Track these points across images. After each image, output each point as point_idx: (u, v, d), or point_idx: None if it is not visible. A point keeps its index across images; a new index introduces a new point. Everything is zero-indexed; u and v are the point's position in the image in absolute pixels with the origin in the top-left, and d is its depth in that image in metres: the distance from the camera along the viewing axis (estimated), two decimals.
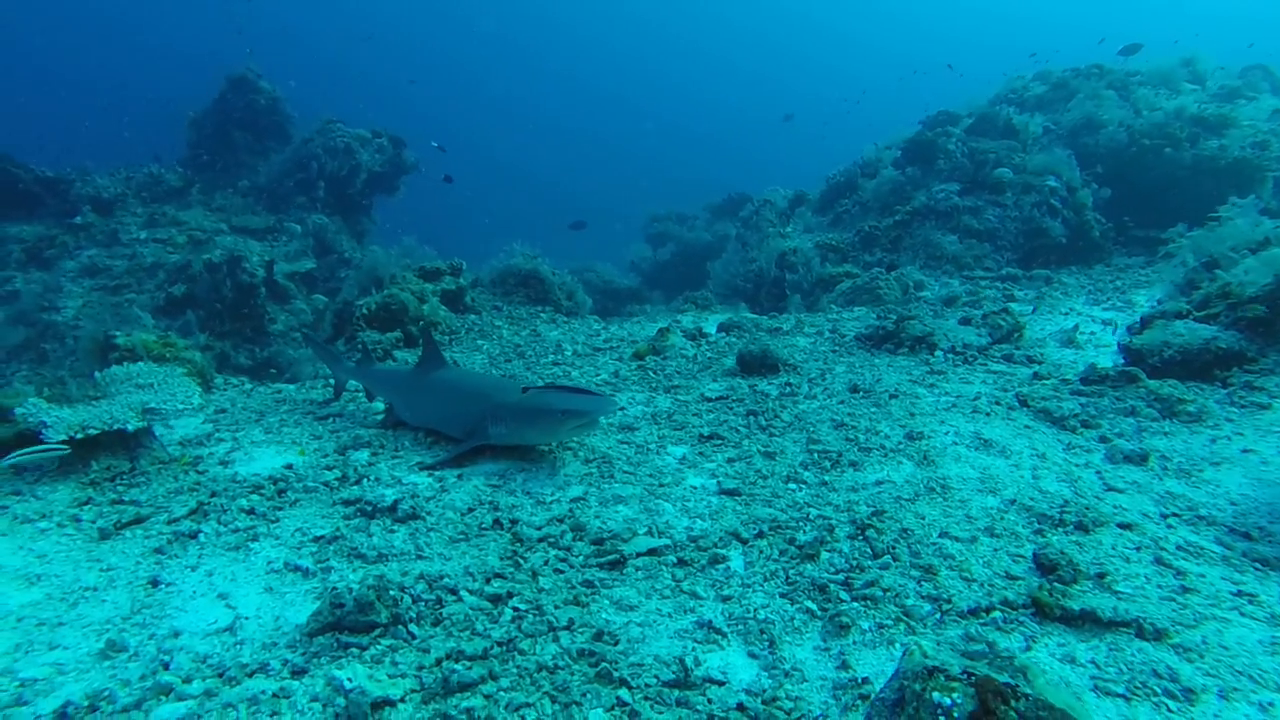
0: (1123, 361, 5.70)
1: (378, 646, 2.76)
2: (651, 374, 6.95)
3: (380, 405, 6.36)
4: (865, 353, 7.26)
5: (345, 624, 2.81)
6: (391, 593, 2.94)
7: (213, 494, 4.19)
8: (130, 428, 4.26)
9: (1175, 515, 3.75)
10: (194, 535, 3.67)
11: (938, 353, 6.83)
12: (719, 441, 5.04)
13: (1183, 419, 4.83)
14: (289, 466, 4.72)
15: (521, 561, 3.45)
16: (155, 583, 3.25)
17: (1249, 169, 11.04)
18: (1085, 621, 2.72)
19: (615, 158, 75.78)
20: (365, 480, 4.54)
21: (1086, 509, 3.64)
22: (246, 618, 3.02)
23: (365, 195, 18.78)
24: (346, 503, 4.15)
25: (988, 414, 5.20)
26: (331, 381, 7.00)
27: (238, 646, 2.83)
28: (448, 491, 4.34)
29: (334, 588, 2.93)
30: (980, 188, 11.10)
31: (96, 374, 4.95)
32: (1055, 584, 2.94)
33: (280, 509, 4.07)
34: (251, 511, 3.97)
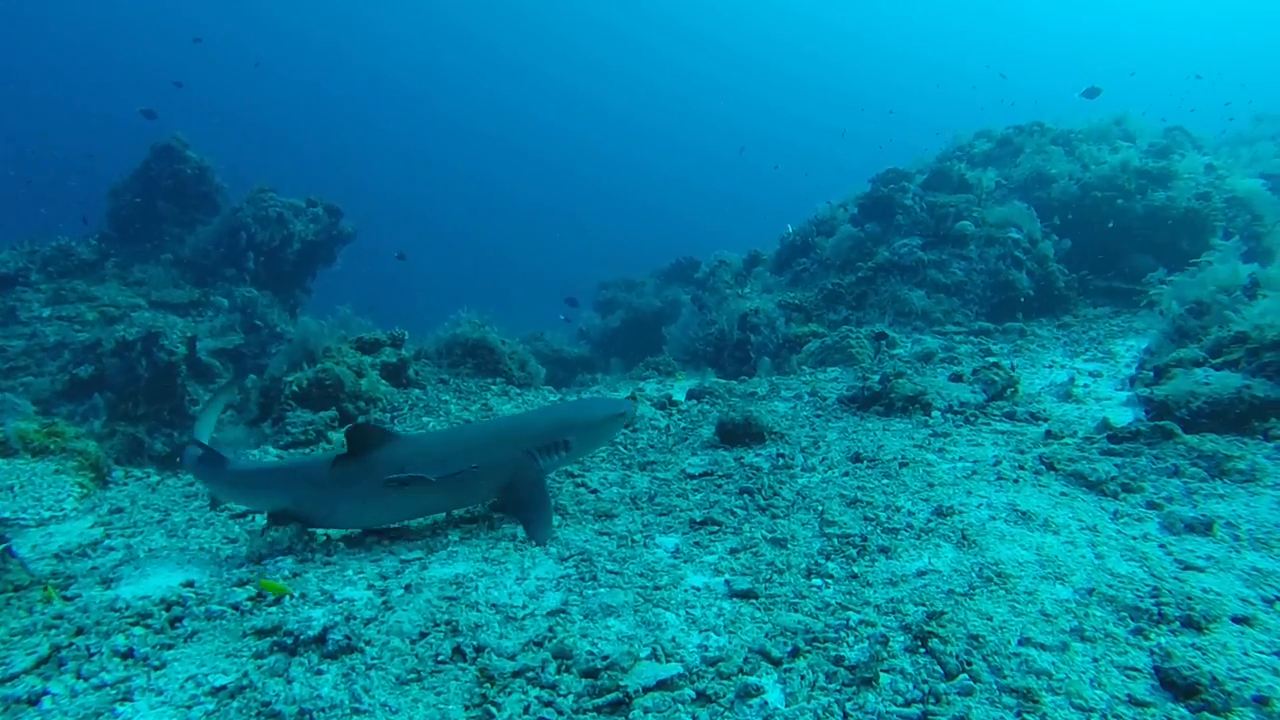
0: (1145, 415, 5.21)
1: None
2: (622, 449, 6.21)
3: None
4: (853, 416, 6.67)
5: None
6: None
7: (79, 630, 3.22)
8: None
9: None
10: (35, 700, 2.69)
11: (934, 413, 6.27)
12: (715, 528, 4.29)
13: (1235, 479, 4.30)
14: (190, 584, 3.77)
15: (494, 710, 2.60)
16: None
17: (1199, 219, 11.13)
18: None
19: (555, 224, 76.27)
20: (288, 599, 3.63)
21: (1188, 598, 2.99)
22: None
23: (299, 266, 17.83)
24: (260, 632, 3.23)
25: (1015, 481, 4.59)
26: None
27: None
28: (393, 609, 3.47)
29: None
30: (943, 241, 10.89)
31: None
32: (1206, 714, 2.25)
33: (171, 646, 3.13)
34: (129, 654, 3.01)
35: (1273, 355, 4.98)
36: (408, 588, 3.72)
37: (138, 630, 3.25)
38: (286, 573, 4.01)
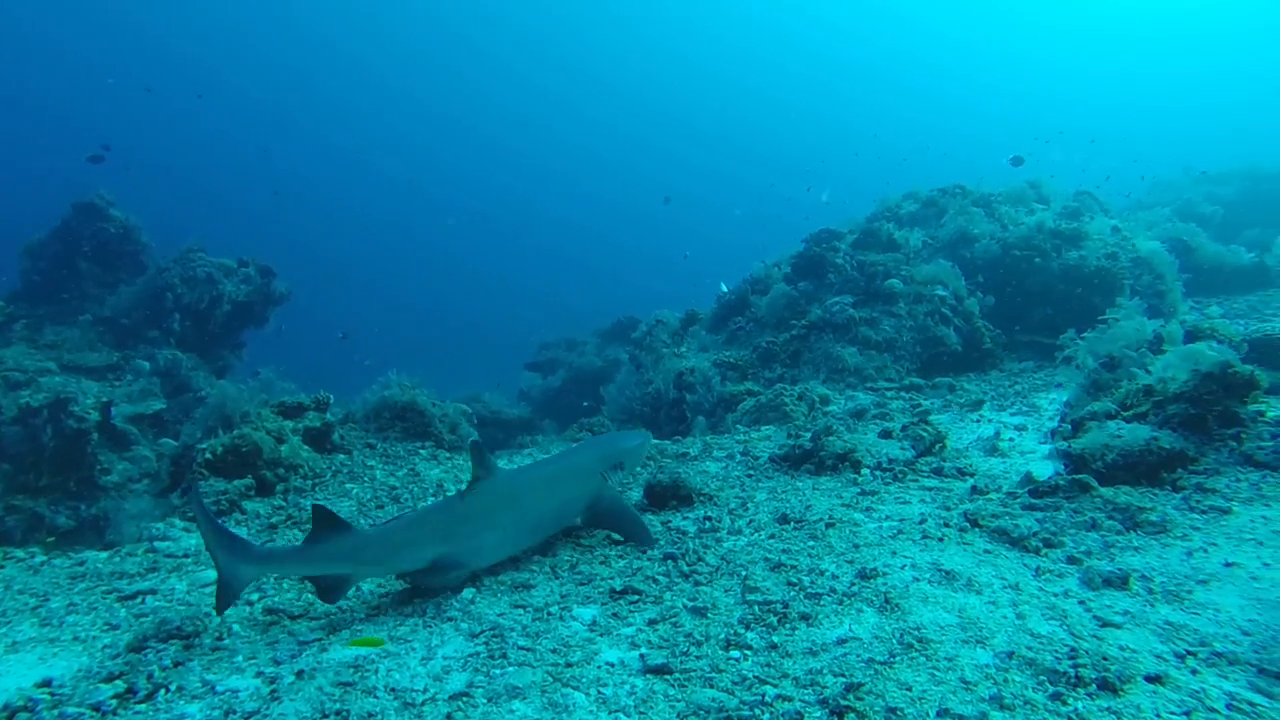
0: (1064, 468, 5.27)
1: None
2: None
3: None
4: (784, 475, 6.61)
5: None
6: None
7: None
8: None
9: (1191, 654, 3.11)
10: None
11: (864, 471, 6.25)
12: (635, 597, 4.11)
13: (1147, 530, 4.33)
14: (47, 683, 3.41)
15: None
16: None
17: (1109, 277, 11.64)
18: None
19: (493, 284, 76.27)
20: (162, 693, 3.31)
21: (1105, 659, 2.93)
22: None
23: (229, 328, 17.27)
24: None
25: (940, 539, 4.54)
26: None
27: None
28: (280, 700, 3.18)
29: None
30: (874, 299, 11.13)
31: None
32: None
33: None
34: None
35: (1176, 407, 5.12)
36: (300, 674, 3.44)
37: None
38: (167, 663, 3.68)
